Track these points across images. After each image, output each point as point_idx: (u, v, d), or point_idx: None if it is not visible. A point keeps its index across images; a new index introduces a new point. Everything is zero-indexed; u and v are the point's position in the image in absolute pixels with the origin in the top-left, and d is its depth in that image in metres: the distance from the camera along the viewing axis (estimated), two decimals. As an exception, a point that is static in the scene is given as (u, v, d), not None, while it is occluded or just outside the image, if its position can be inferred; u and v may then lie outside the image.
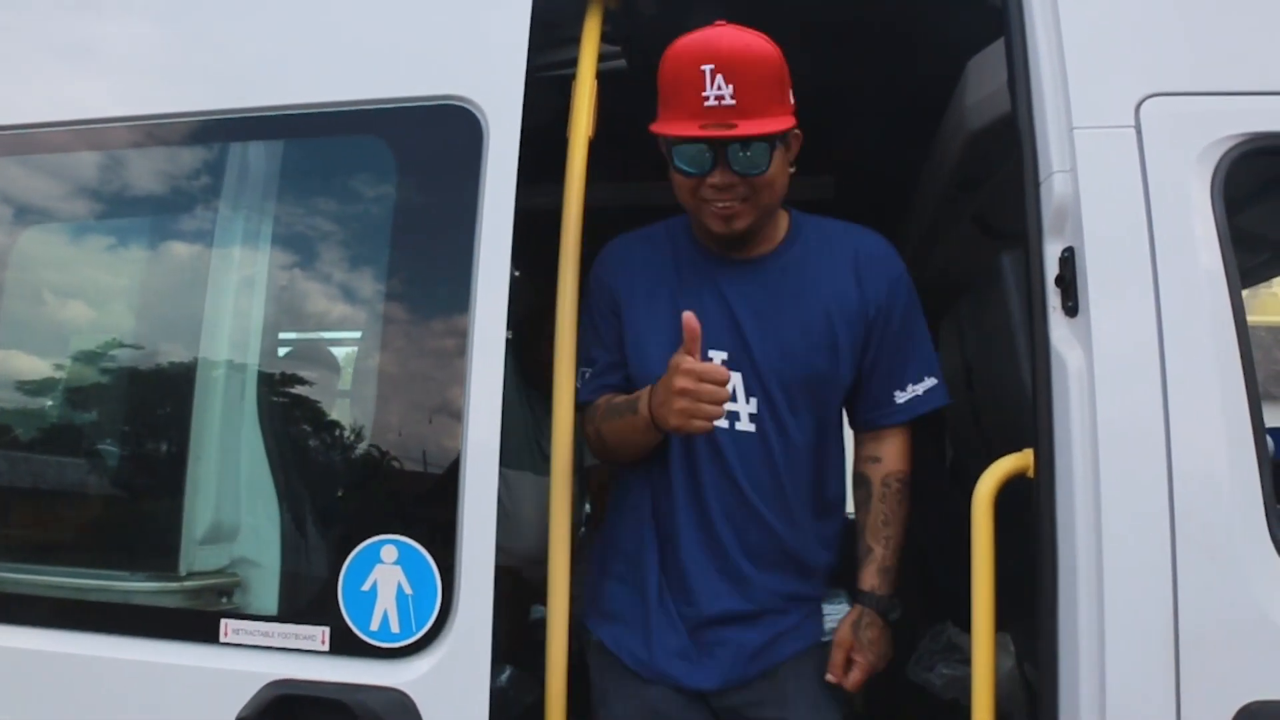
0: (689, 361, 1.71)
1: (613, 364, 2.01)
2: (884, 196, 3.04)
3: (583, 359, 1.99)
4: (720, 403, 1.73)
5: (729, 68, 1.78)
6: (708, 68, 1.77)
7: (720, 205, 1.87)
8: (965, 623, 1.82)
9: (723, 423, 1.86)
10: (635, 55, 2.62)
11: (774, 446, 1.94)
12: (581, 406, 1.99)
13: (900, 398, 2.04)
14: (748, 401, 1.93)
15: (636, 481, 2.02)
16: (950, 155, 2.20)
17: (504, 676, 2.58)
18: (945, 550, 2.51)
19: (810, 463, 1.98)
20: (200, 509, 1.94)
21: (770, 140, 1.84)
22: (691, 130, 1.80)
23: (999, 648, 2.16)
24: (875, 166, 2.98)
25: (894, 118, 2.67)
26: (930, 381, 2.04)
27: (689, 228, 2.05)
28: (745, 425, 1.93)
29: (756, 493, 1.93)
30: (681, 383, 1.71)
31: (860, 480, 2.08)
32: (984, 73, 2.03)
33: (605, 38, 2.50)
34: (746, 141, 1.81)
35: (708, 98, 1.78)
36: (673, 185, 1.94)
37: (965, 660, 2.41)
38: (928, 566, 3.48)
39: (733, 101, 1.78)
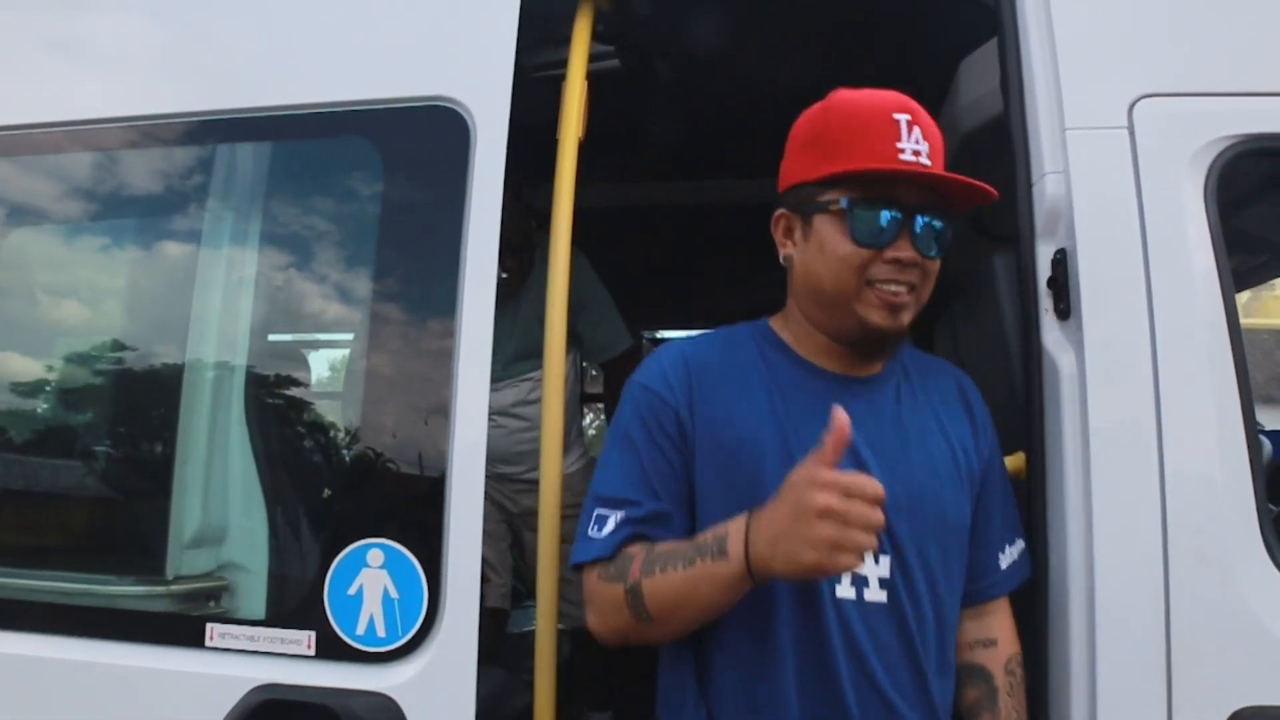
0: (830, 474, 1.26)
1: (660, 515, 1.49)
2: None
3: (605, 497, 1.52)
4: (875, 529, 1.26)
5: (924, 123, 1.48)
6: (903, 118, 1.46)
7: (893, 289, 1.47)
8: None
9: (848, 590, 1.47)
10: (628, 55, 2.62)
11: (909, 619, 1.50)
12: (589, 563, 1.50)
13: (1003, 561, 1.65)
14: (877, 562, 1.48)
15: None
16: (946, 155, 2.20)
17: (496, 678, 2.58)
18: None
19: (938, 634, 1.55)
20: (187, 513, 1.93)
21: (957, 219, 1.52)
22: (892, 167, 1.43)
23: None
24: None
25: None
26: (1021, 544, 1.68)
27: (776, 337, 1.62)
28: (875, 594, 1.48)
29: (891, 680, 1.48)
30: (825, 499, 1.24)
31: (974, 673, 1.62)
32: (976, 73, 2.03)
33: (598, 37, 2.50)
34: (945, 213, 1.49)
35: (904, 150, 1.44)
36: (815, 264, 1.51)
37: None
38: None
39: (929, 162, 1.46)
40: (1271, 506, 2.80)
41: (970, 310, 2.30)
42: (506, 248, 1.89)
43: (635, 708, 2.29)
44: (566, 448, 2.52)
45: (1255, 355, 12.78)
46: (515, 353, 3.07)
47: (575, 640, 3.19)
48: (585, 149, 1.99)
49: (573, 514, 1.63)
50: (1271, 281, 3.38)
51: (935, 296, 2.80)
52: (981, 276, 2.10)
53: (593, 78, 2.05)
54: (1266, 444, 3.09)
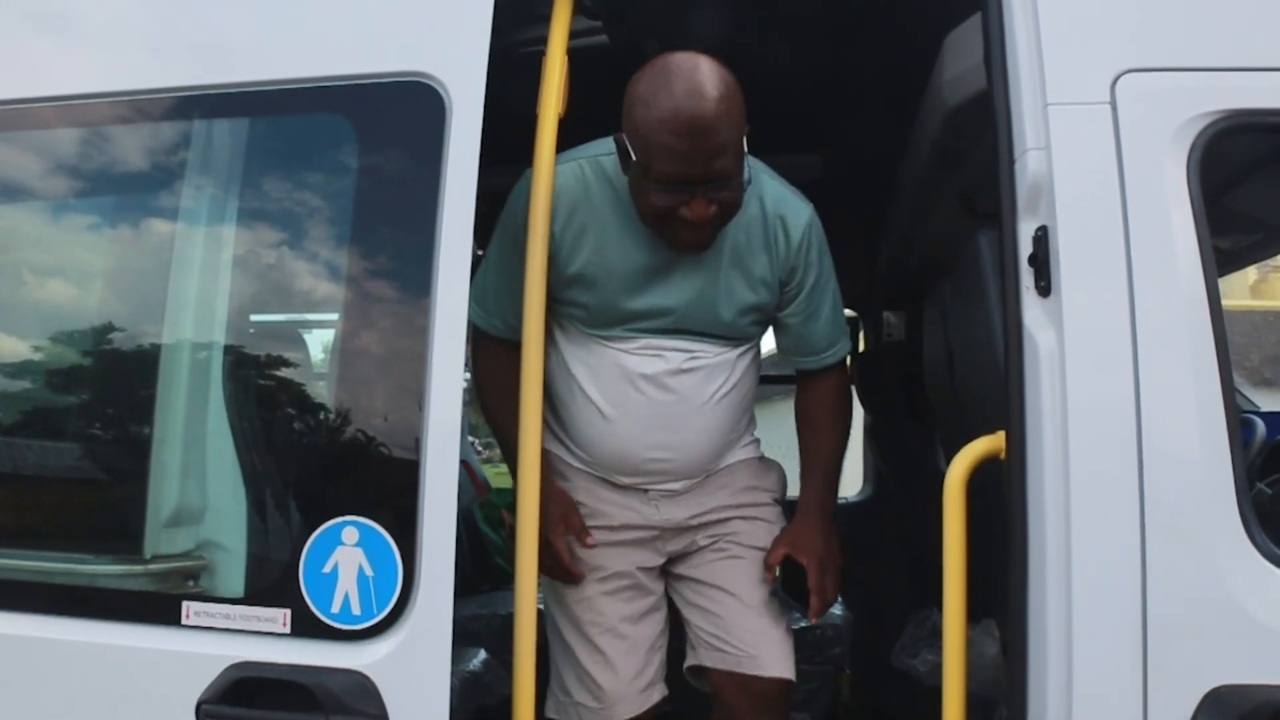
0: (562, 545, 2.15)
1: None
2: (871, 176, 3.04)
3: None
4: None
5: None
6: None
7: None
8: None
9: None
10: (616, 30, 2.62)
11: None
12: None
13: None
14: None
15: None
16: (930, 132, 2.20)
17: (476, 661, 2.61)
18: (934, 535, 2.53)
19: None
20: (164, 491, 1.95)
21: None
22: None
23: (984, 634, 2.19)
24: (861, 145, 2.98)
25: (879, 95, 2.67)
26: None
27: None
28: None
29: None
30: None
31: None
32: (961, 48, 2.03)
33: (585, 12, 2.50)
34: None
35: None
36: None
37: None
38: (914, 552, 3.50)
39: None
40: (1264, 487, 2.83)
41: (957, 290, 2.31)
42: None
43: None
44: (739, 436, 2.36)
45: (1249, 337, 12.75)
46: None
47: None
48: (571, 128, 2.00)
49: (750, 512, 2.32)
50: (1262, 261, 3.37)
51: (928, 275, 2.83)
52: (967, 255, 2.11)
53: (580, 54, 2.05)
54: (1260, 425, 3.10)
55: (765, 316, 2.25)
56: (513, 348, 1.99)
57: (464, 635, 3.08)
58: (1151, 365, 1.62)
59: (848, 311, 4.76)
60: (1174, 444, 1.61)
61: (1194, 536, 1.60)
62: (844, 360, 2.38)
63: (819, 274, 2.22)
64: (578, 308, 2.15)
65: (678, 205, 1.94)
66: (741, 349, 2.24)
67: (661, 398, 2.15)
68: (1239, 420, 3.09)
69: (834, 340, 2.32)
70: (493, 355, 2.23)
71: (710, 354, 2.18)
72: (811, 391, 2.38)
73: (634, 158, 1.95)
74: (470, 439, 6.00)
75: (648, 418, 2.15)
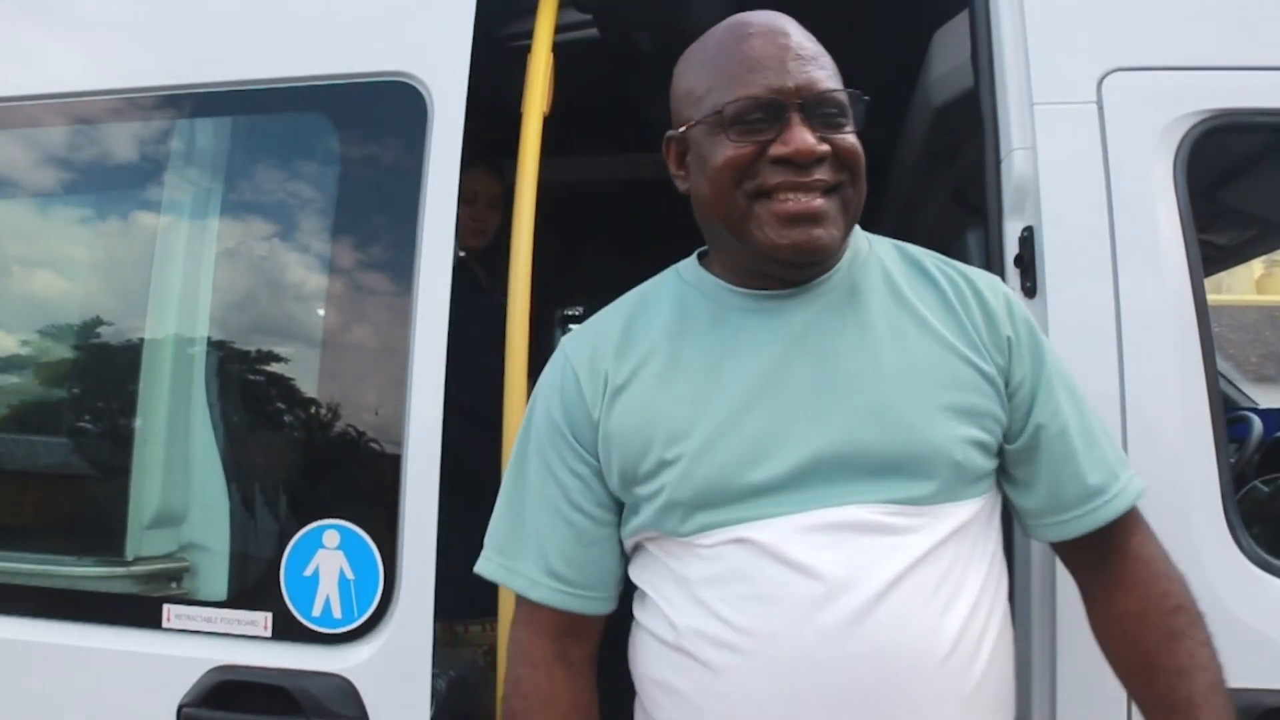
0: None
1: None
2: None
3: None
4: None
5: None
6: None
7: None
8: None
9: None
10: (607, 23, 2.62)
11: None
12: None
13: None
14: None
15: None
16: (918, 130, 2.21)
17: (465, 662, 2.61)
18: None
19: None
20: (146, 494, 1.96)
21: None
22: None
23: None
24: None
25: (871, 90, 2.67)
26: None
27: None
28: None
29: None
30: None
31: None
32: (949, 46, 2.04)
33: (575, 4, 2.50)
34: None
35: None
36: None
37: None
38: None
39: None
40: (1260, 484, 2.83)
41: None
42: None
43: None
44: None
45: (1245, 333, 12.73)
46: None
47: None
48: (560, 126, 1.99)
49: None
50: (1257, 258, 3.39)
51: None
52: (955, 254, 2.11)
53: (571, 48, 2.05)
54: (1256, 421, 3.12)
55: (991, 434, 1.30)
56: (571, 629, 1.35)
57: (454, 638, 3.08)
58: (1137, 368, 1.63)
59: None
60: (1159, 448, 1.62)
61: (1180, 538, 1.60)
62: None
63: (1052, 361, 1.37)
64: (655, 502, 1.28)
65: (768, 144, 1.23)
66: (977, 502, 1.29)
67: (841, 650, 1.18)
68: (1228, 421, 3.11)
69: (1115, 468, 1.36)
70: (533, 651, 1.36)
71: (920, 528, 1.23)
72: (1124, 583, 1.35)
73: (693, 120, 1.29)
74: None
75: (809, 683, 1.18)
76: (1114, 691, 1.57)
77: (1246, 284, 12.29)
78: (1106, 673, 1.56)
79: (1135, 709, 1.57)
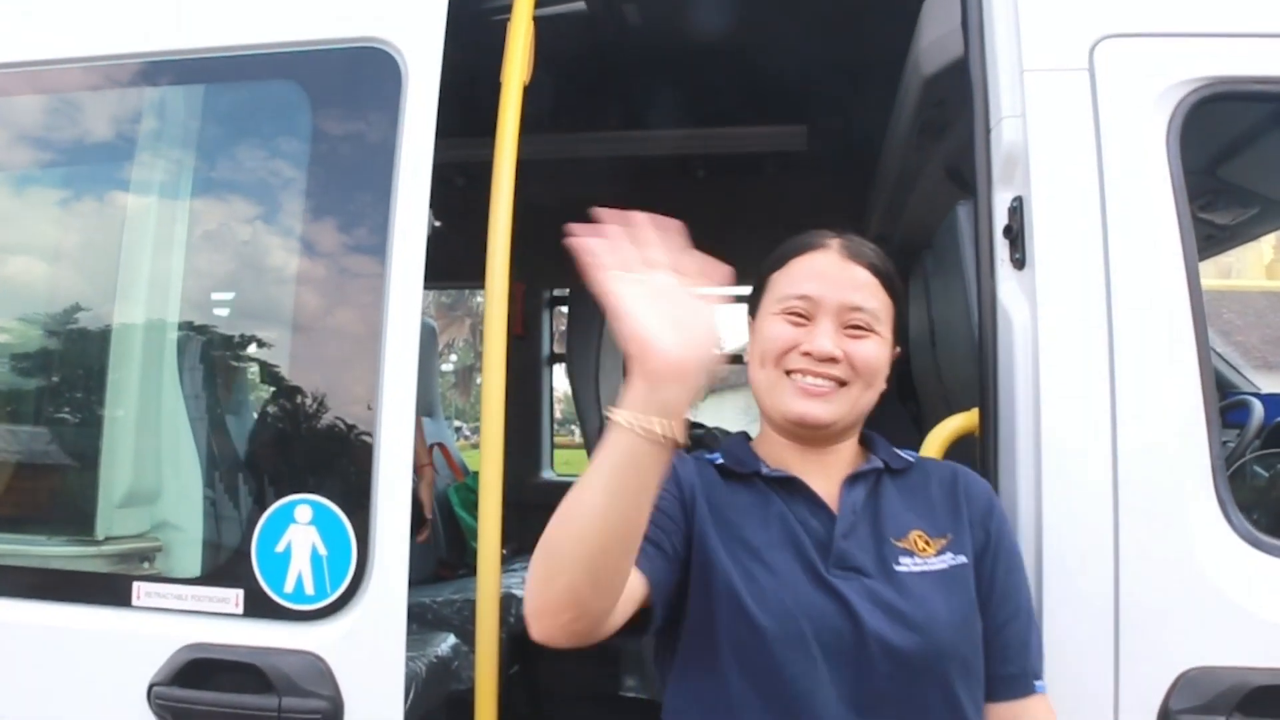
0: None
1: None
2: (858, 147, 3.04)
3: None
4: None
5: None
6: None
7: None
8: None
9: None
10: (595, -4, 2.61)
11: None
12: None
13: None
14: None
15: None
16: (909, 100, 2.20)
17: (446, 645, 2.63)
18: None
19: None
20: (117, 472, 1.96)
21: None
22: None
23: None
24: (848, 116, 2.99)
25: (863, 64, 2.67)
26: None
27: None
28: None
29: None
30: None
31: None
32: (939, 11, 2.03)
33: None
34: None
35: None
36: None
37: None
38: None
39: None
40: (1261, 470, 2.83)
41: (938, 263, 2.32)
42: None
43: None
44: None
45: (1249, 317, 12.72)
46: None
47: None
48: (544, 100, 1.99)
49: None
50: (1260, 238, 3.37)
51: (915, 248, 2.83)
52: (946, 227, 2.11)
53: (556, 20, 2.04)
54: (1257, 406, 3.11)
55: None
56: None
57: (438, 621, 3.10)
58: (1127, 342, 1.63)
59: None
60: (1149, 421, 1.63)
61: (1168, 517, 1.61)
62: None
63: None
64: None
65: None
66: None
67: None
68: (1229, 407, 3.11)
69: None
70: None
71: None
72: None
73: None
74: (456, 424, 6.02)
75: None
76: (1102, 666, 1.60)
77: (1257, 269, 12.26)
78: (1089, 673, 1.58)
79: (1122, 686, 1.59)
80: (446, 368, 21.86)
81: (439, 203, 1.88)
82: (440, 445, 4.17)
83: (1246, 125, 2.29)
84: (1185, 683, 1.57)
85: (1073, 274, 1.67)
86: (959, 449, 1.82)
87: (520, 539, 3.52)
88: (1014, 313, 1.69)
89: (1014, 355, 1.68)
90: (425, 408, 4.32)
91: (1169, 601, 1.60)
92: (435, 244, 1.87)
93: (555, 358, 5.05)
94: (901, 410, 3.86)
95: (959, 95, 1.90)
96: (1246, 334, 12.12)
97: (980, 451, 1.75)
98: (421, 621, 3.09)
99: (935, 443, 1.82)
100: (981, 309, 1.75)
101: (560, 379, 5.19)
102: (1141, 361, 1.64)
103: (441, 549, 3.80)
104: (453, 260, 2.22)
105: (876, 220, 3.11)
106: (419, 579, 3.51)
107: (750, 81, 2.17)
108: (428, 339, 4.39)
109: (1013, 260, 1.71)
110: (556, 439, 5.33)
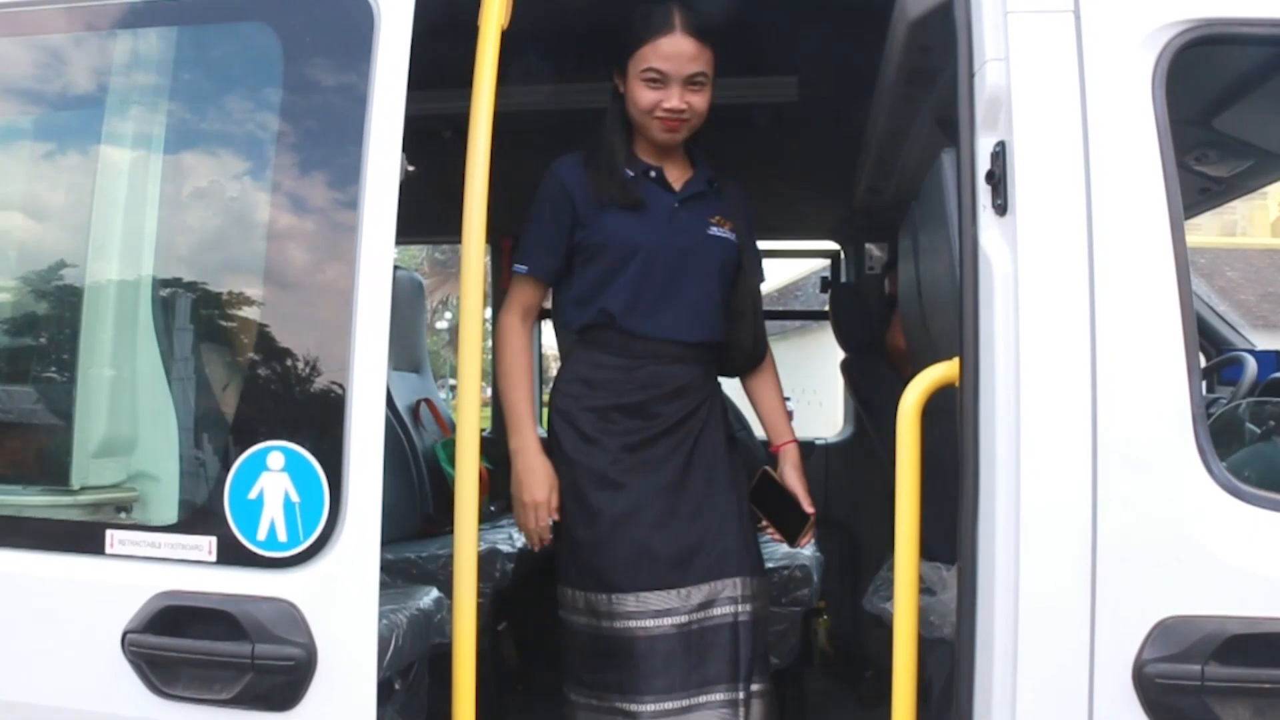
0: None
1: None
2: (848, 98, 3.01)
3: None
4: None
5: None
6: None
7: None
8: (925, 552, 1.85)
9: None
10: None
11: None
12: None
13: None
14: None
15: None
16: (896, 47, 2.18)
17: (428, 599, 2.64)
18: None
19: None
20: (92, 422, 1.97)
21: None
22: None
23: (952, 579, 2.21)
24: (838, 66, 2.95)
25: (853, 12, 2.64)
26: None
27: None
28: None
29: None
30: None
31: None
32: (924, -48, 2.00)
33: None
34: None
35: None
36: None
37: (924, 590, 2.47)
38: (893, 493, 3.52)
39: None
40: (1254, 427, 2.84)
41: (925, 213, 2.30)
42: None
43: None
44: None
45: (1247, 274, 12.68)
46: None
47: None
48: (525, 45, 1.96)
49: None
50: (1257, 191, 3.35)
51: (899, 203, 2.81)
52: (932, 175, 2.10)
53: None
54: (1251, 362, 3.11)
55: None
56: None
57: (424, 575, 3.12)
58: (1108, 287, 1.63)
59: (829, 245, 4.75)
60: (1129, 369, 1.63)
61: (1147, 465, 1.62)
62: None
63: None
64: None
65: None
66: None
67: None
68: (1222, 363, 3.11)
69: None
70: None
71: None
72: None
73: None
74: (452, 381, 5.99)
75: None
76: (1079, 614, 1.61)
77: (1263, 227, 12.20)
78: (1065, 622, 1.59)
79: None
80: (441, 325, 21.76)
81: (426, 156, 1.88)
82: (427, 401, 4.17)
83: (1240, 72, 2.27)
84: (1161, 631, 1.58)
85: (1055, 220, 1.66)
86: (939, 398, 1.82)
87: (508, 496, 3.53)
88: (995, 260, 1.69)
89: (994, 303, 1.68)
90: (412, 363, 4.31)
91: (1146, 550, 1.61)
92: (421, 199, 1.86)
93: (543, 314, 5.01)
94: (891, 366, 3.86)
95: (946, 42, 1.88)
96: (1246, 291, 12.09)
97: (959, 400, 1.75)
98: (407, 576, 3.11)
99: (916, 392, 1.82)
100: (963, 256, 1.74)
101: (549, 337, 5.16)
102: (1123, 309, 1.63)
103: (428, 505, 3.81)
104: (440, 216, 2.21)
105: (869, 172, 3.09)
106: (405, 535, 3.53)
107: (739, 31, 2.16)
108: (414, 294, 4.37)
109: (994, 206, 1.70)
110: (544, 397, 5.31)
